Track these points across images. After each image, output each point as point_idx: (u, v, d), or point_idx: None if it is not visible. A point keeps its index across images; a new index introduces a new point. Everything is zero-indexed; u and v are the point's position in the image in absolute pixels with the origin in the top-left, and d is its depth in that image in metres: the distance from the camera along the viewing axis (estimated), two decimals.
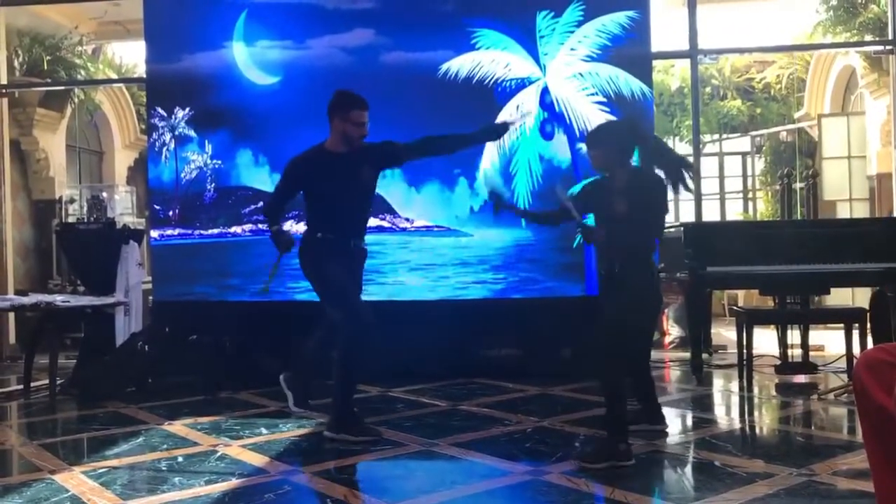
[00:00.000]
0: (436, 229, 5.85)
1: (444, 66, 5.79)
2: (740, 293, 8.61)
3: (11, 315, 7.18)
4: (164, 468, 3.54)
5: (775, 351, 5.70)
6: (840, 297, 6.84)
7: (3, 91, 7.47)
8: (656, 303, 4.00)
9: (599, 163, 3.77)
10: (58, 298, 5.59)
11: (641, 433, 3.84)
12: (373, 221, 5.77)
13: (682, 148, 10.69)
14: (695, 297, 5.61)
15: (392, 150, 4.15)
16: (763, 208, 10.31)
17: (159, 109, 6.09)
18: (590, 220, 3.86)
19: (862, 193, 8.26)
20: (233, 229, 5.97)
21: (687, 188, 3.71)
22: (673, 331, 7.18)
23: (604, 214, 3.73)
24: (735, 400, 5.14)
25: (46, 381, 5.35)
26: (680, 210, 10.56)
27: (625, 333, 3.56)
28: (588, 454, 3.46)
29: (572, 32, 5.78)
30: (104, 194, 6.68)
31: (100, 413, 4.79)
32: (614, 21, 5.75)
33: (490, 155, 5.79)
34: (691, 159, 6.70)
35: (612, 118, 5.67)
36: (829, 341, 6.35)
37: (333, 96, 4.07)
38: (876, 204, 7.87)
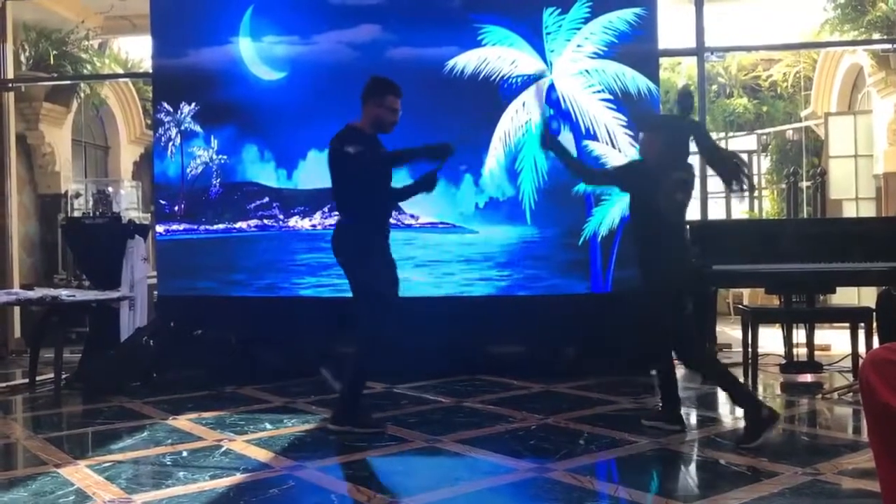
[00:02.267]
0: (441, 226, 5.84)
1: (451, 63, 5.78)
2: (745, 292, 8.59)
3: (17, 309, 7.19)
4: (168, 463, 3.55)
5: (780, 350, 5.69)
6: (846, 296, 6.82)
7: (10, 85, 7.49)
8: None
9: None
10: (63, 293, 5.60)
11: (655, 430, 3.87)
12: None
13: None
14: (700, 296, 5.59)
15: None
16: (769, 207, 10.29)
17: (165, 104, 6.10)
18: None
19: (868, 192, 8.23)
20: (238, 224, 5.98)
21: (742, 188, 3.91)
22: None
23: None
24: None
25: (52, 376, 5.36)
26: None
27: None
28: (742, 437, 3.66)
29: (579, 29, 5.77)
30: (110, 189, 6.71)
31: (105, 407, 4.80)
32: (621, 18, 5.74)
33: (496, 152, 5.78)
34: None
35: (620, 116, 5.68)
36: (835, 340, 6.34)
37: (370, 80, 4.09)
38: (882, 203, 7.84)
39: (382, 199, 4.09)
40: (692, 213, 8.20)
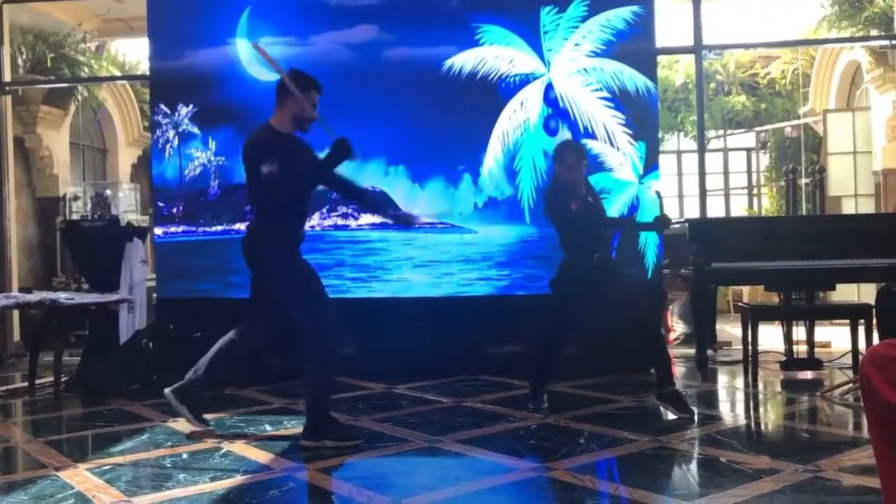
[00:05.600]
0: (440, 226, 5.84)
1: (448, 62, 5.78)
2: (745, 289, 8.59)
3: (16, 313, 7.19)
4: (168, 465, 3.54)
5: (781, 347, 5.69)
6: (845, 293, 6.82)
7: (7, 88, 7.48)
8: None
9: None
10: (62, 296, 5.59)
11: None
12: (376, 218, 5.78)
13: (687, 143, 10.69)
14: (700, 294, 5.60)
15: (317, 163, 3.93)
16: (768, 204, 10.29)
17: (163, 106, 6.09)
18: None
19: (867, 189, 8.23)
20: (236, 226, 5.96)
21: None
22: (678, 327, 7.16)
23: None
24: (740, 396, 5.12)
25: (51, 379, 5.36)
26: (685, 206, 10.55)
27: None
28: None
29: (576, 28, 5.77)
30: (108, 191, 6.68)
31: (104, 410, 4.80)
32: (619, 16, 5.74)
33: (494, 151, 5.78)
34: (696, 155, 6.69)
35: (618, 114, 5.68)
36: (835, 337, 6.34)
37: (291, 73, 3.93)
38: (881, 199, 7.84)
39: (304, 200, 3.96)
40: (692, 210, 8.20)
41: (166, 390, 4.09)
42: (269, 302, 3.90)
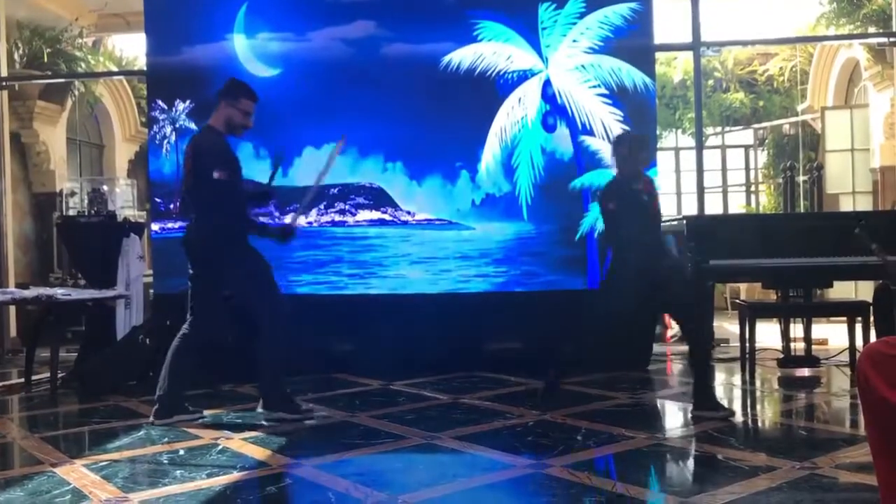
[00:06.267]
0: (437, 222, 5.83)
1: (446, 58, 5.76)
2: (743, 286, 8.60)
3: (12, 308, 7.18)
4: (165, 461, 3.54)
5: (778, 344, 5.69)
6: (843, 290, 6.82)
7: (3, 84, 7.46)
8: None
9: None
10: (59, 292, 5.58)
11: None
12: (374, 214, 5.78)
13: (685, 140, 10.68)
14: (697, 290, 5.59)
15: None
16: (766, 201, 10.29)
17: (160, 102, 6.07)
18: None
19: (865, 186, 8.24)
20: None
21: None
22: (675, 324, 7.16)
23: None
24: (737, 393, 5.12)
25: (48, 375, 5.35)
26: (682, 203, 10.55)
27: None
28: None
29: (574, 24, 5.76)
30: (105, 187, 6.66)
31: (101, 406, 4.79)
32: (617, 13, 5.73)
33: (492, 147, 5.77)
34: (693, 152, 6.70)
35: (616, 111, 5.67)
36: (832, 335, 6.34)
37: (228, 81, 4.27)
38: (879, 197, 7.85)
39: (239, 197, 4.23)
40: (690, 207, 8.19)
41: (152, 420, 4.23)
42: (213, 298, 4.20)
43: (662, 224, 4.72)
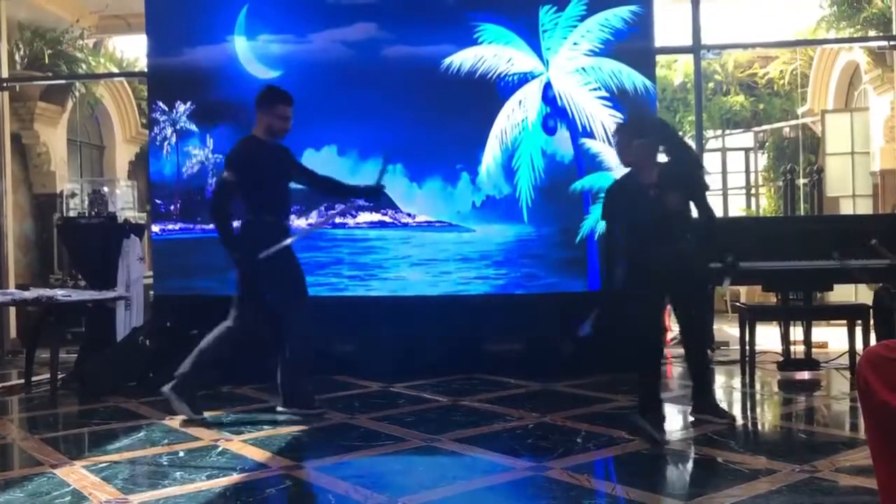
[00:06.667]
0: (437, 224, 5.83)
1: (447, 61, 5.77)
2: (743, 289, 8.59)
3: (12, 309, 7.18)
4: (165, 463, 3.54)
5: (778, 347, 5.69)
6: (843, 293, 6.82)
7: (4, 85, 7.46)
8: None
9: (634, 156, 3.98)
10: (59, 293, 5.58)
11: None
12: (374, 216, 5.78)
13: None
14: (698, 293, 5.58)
15: (303, 169, 4.54)
16: (766, 204, 10.30)
17: (160, 103, 6.08)
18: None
19: (865, 190, 8.24)
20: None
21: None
22: (675, 327, 7.16)
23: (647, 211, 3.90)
24: (737, 396, 5.13)
25: (47, 376, 5.35)
26: None
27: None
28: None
29: (575, 27, 5.76)
30: (105, 188, 6.66)
31: (101, 408, 4.79)
32: (617, 16, 5.73)
33: (492, 150, 5.78)
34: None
35: (616, 113, 5.67)
36: (832, 338, 6.34)
37: (262, 90, 4.45)
38: (879, 200, 7.85)
39: (282, 199, 4.42)
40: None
41: (164, 388, 4.31)
42: (258, 297, 4.29)
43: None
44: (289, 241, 4.33)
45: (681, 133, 4.15)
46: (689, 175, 4.00)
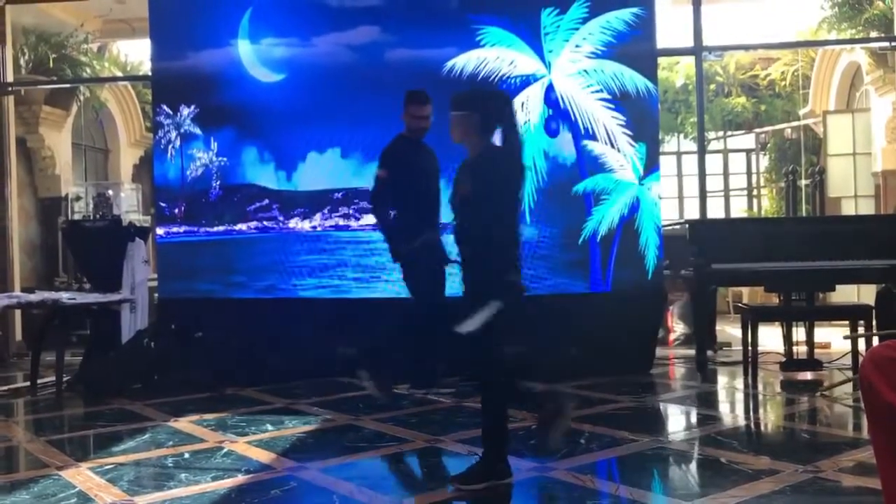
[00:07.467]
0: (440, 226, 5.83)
1: (450, 63, 5.78)
2: (745, 290, 8.60)
3: (18, 312, 7.20)
4: (170, 464, 3.55)
5: (780, 348, 5.70)
6: (845, 294, 6.83)
7: (9, 89, 7.49)
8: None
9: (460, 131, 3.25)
10: (64, 296, 5.60)
11: None
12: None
13: (687, 145, 10.70)
14: (700, 294, 5.61)
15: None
16: (768, 205, 10.30)
17: (165, 107, 6.10)
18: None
19: (867, 190, 8.24)
20: (238, 226, 5.98)
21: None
22: (678, 328, 7.17)
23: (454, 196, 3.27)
24: (740, 397, 5.13)
25: (53, 378, 5.37)
26: (685, 207, 10.56)
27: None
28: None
29: (577, 29, 5.77)
30: (110, 192, 6.71)
31: (106, 410, 4.81)
32: (619, 18, 5.74)
33: None
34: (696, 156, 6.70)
35: (618, 115, 5.68)
36: (835, 338, 6.34)
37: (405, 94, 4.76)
38: (881, 201, 7.85)
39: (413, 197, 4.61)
40: (692, 212, 8.18)
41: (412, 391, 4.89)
42: (424, 283, 4.68)
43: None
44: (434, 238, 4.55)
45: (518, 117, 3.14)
46: (477, 166, 3.21)
